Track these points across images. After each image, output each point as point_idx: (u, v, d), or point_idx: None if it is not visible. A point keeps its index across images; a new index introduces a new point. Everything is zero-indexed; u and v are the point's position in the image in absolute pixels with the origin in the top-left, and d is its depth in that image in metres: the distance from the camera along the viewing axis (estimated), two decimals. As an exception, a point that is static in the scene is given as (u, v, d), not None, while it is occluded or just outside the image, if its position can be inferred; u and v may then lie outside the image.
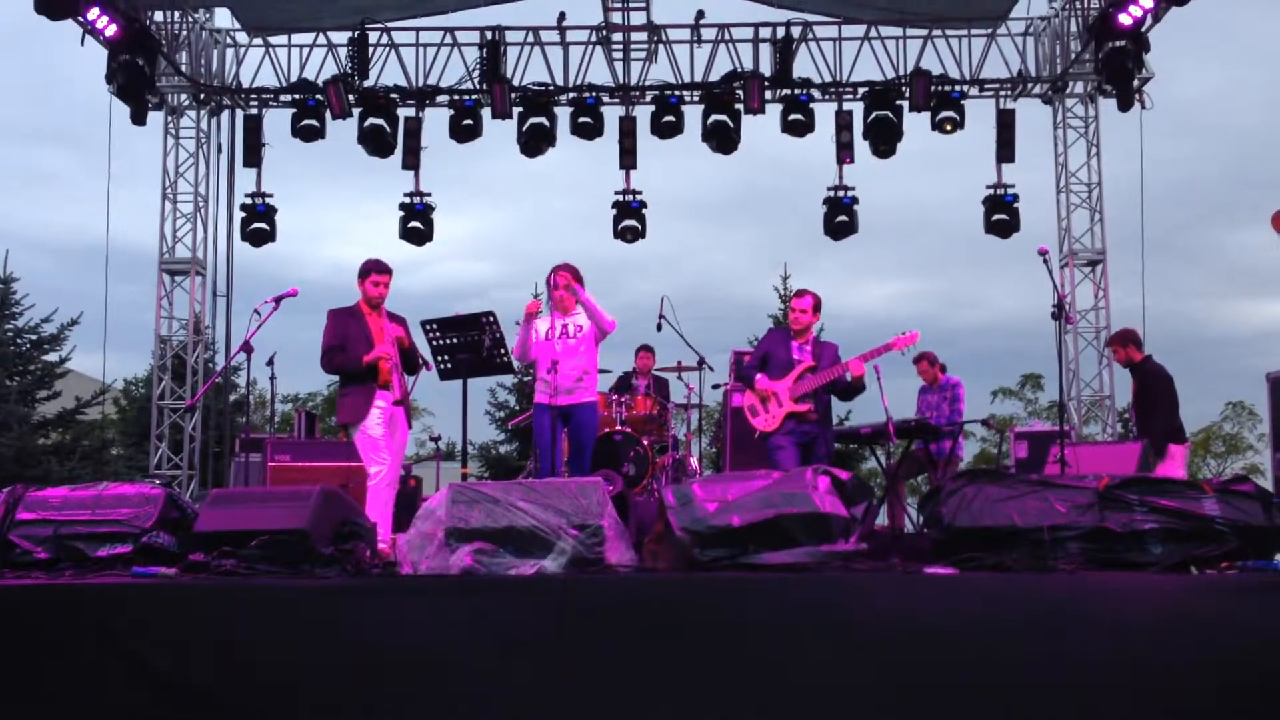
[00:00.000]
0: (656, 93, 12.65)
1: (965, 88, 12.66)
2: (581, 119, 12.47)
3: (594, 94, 12.62)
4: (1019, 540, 4.56)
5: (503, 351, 7.40)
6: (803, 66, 12.54)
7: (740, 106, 12.47)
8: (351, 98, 12.46)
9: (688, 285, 46.94)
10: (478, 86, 12.53)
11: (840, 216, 12.87)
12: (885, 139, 12.57)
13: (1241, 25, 52.58)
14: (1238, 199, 52.25)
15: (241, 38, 13.27)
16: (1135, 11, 11.13)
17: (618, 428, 9.64)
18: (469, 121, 12.54)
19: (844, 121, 12.70)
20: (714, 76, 12.61)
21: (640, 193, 12.84)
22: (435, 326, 7.47)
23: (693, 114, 12.62)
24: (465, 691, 4.13)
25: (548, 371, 7.33)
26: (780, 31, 12.45)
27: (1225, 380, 41.92)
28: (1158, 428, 8.63)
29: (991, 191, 12.85)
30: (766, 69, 12.48)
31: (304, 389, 30.95)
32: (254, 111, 13.04)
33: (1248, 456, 32.15)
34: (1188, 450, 9.37)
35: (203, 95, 13.17)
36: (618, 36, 12.76)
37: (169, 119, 13.26)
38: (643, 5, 12.52)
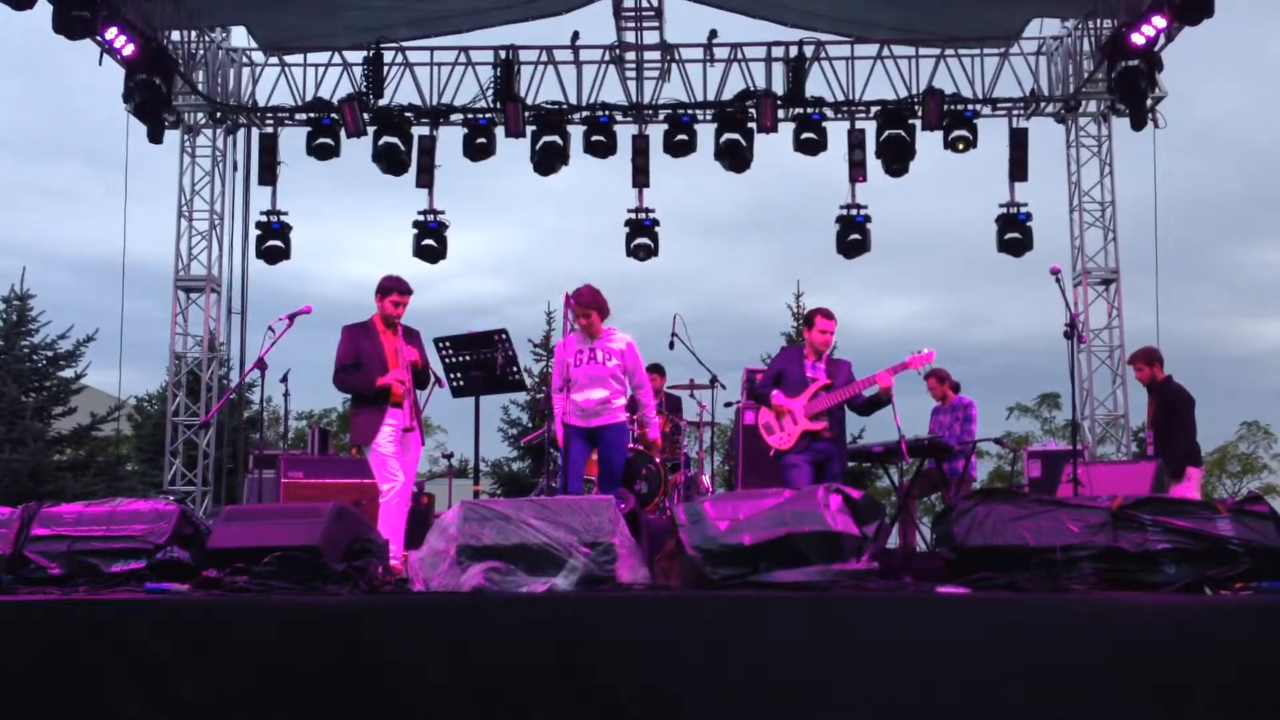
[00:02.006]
0: (669, 111, 12.69)
1: (978, 106, 12.68)
2: (595, 137, 12.52)
3: (607, 113, 12.66)
4: (1032, 560, 4.54)
5: (515, 369, 7.41)
6: (815, 85, 12.58)
7: (753, 125, 12.51)
8: (366, 116, 12.53)
9: (700, 303, 47.10)
10: (491, 105, 12.60)
11: (853, 235, 12.87)
12: (898, 158, 12.58)
13: (1259, 43, 52.60)
14: (1254, 217, 52.18)
15: (258, 57, 13.39)
16: (1148, 31, 11.12)
17: (630, 445, 9.62)
18: (483, 140, 12.60)
19: (857, 140, 12.72)
20: (727, 95, 12.64)
21: (653, 211, 12.88)
22: (448, 344, 7.50)
23: (705, 132, 12.67)
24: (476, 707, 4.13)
25: (575, 392, 7.31)
26: (793, 50, 12.48)
27: (1240, 399, 41.82)
28: (1179, 450, 8.57)
29: (1004, 210, 12.84)
30: (779, 88, 12.51)
31: (318, 406, 31.07)
32: (269, 130, 13.13)
33: (1263, 476, 32.01)
34: (1202, 472, 9.32)
35: (219, 114, 13.27)
36: (631, 55, 12.82)
37: (185, 137, 13.36)
38: (656, 24, 12.56)
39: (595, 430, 7.37)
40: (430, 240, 12.87)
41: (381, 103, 12.62)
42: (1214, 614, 4.13)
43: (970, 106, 12.59)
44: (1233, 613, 4.14)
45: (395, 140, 12.60)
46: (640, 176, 12.83)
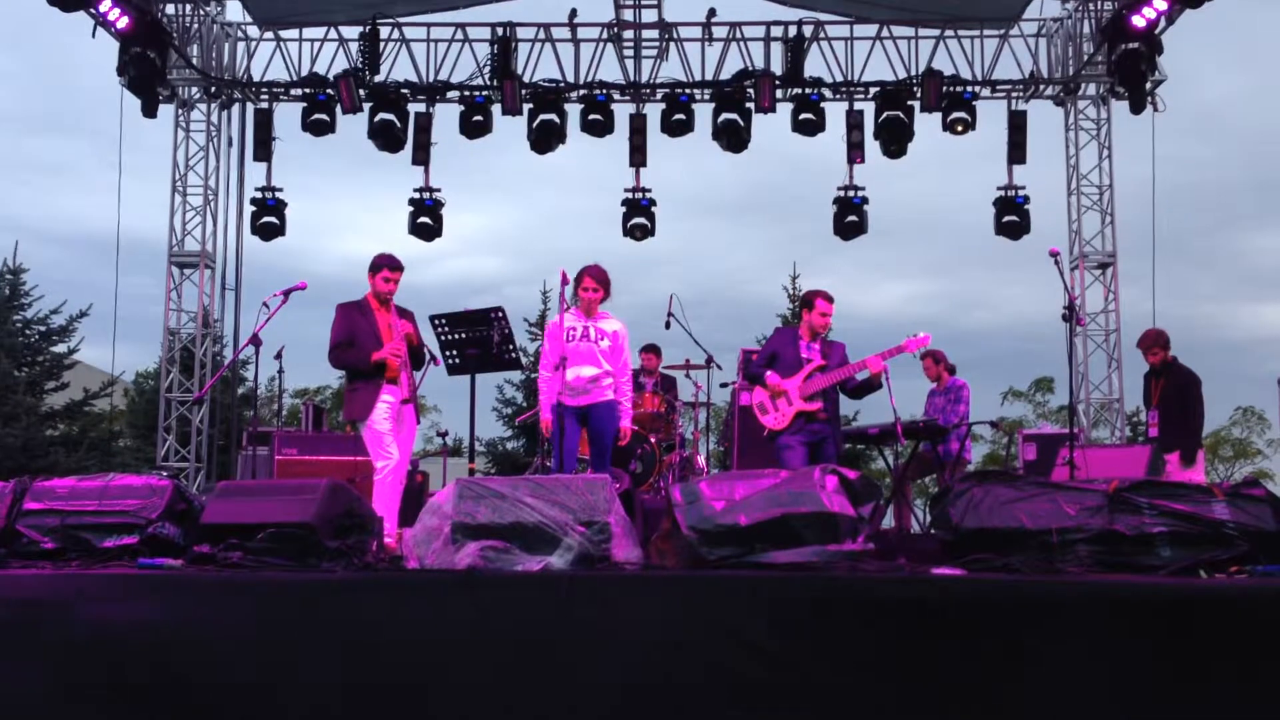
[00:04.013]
0: (667, 90, 12.63)
1: (977, 88, 12.62)
2: (592, 116, 12.46)
3: (604, 91, 12.59)
4: (1028, 542, 4.54)
5: (511, 348, 7.38)
6: (814, 65, 12.52)
7: (751, 105, 12.46)
8: (362, 92, 12.46)
9: (697, 283, 46.99)
10: (488, 82, 12.52)
11: (850, 216, 12.85)
12: (896, 139, 12.54)
13: (1264, 28, 52.50)
14: (1255, 202, 52.19)
15: (253, 31, 13.28)
16: (1149, 13, 11.09)
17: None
18: (479, 117, 12.53)
19: (855, 121, 12.68)
20: (725, 75, 12.59)
21: (650, 190, 12.84)
22: (444, 321, 7.46)
23: (703, 112, 12.61)
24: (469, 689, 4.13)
25: (565, 368, 7.30)
26: (792, 30, 12.43)
27: (1235, 384, 41.80)
28: (1193, 433, 8.57)
29: (1002, 193, 12.82)
30: (778, 68, 12.46)
31: (312, 382, 31.00)
32: (264, 105, 13.05)
33: (1256, 462, 32.10)
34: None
35: (214, 88, 13.18)
36: (629, 34, 12.74)
37: (180, 112, 13.28)
38: (654, 3, 12.50)
39: (585, 408, 7.37)
40: (426, 218, 12.83)
41: (378, 79, 12.55)
42: (1209, 597, 4.13)
43: (969, 88, 12.54)
44: (1228, 596, 4.14)
45: (391, 117, 12.53)
46: (637, 156, 12.78)
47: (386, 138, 12.57)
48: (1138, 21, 11.17)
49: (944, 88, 12.37)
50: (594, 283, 7.40)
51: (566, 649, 4.12)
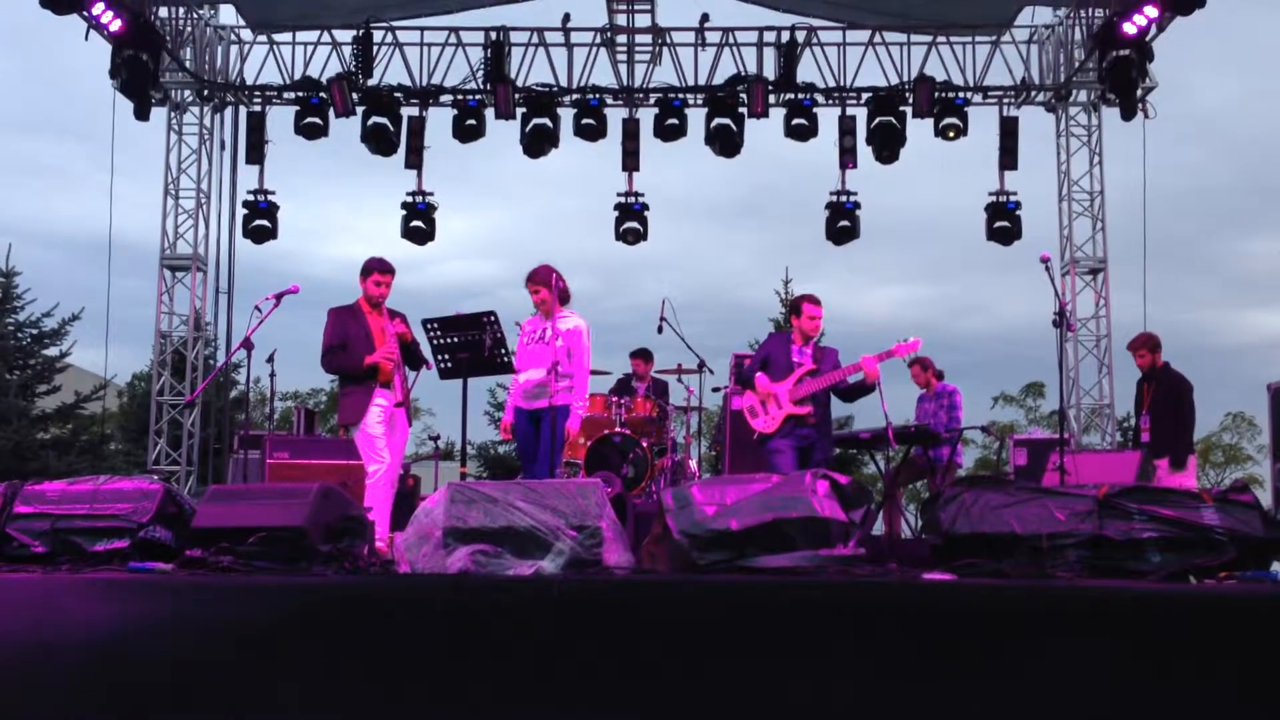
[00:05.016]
0: (660, 95, 12.65)
1: (969, 94, 12.67)
2: (585, 120, 12.48)
3: (598, 95, 12.63)
4: (1018, 547, 4.55)
5: (503, 351, 7.37)
6: (807, 71, 12.56)
7: (744, 110, 12.49)
8: (355, 96, 12.46)
9: (690, 288, 47.05)
10: (481, 86, 12.55)
11: (842, 221, 12.88)
12: (888, 145, 12.57)
13: (1255, 34, 52.71)
14: (1247, 207, 52.41)
15: (246, 34, 13.28)
16: (1139, 20, 11.11)
17: (617, 429, 9.61)
18: (472, 121, 12.55)
19: (847, 126, 12.71)
20: (718, 80, 12.62)
21: (642, 195, 12.87)
22: (436, 325, 7.45)
23: (696, 117, 12.65)
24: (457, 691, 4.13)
25: (520, 371, 7.34)
26: (785, 36, 12.46)
27: (1226, 390, 41.89)
28: (1185, 438, 8.59)
29: (994, 199, 12.86)
30: (770, 73, 12.49)
31: (304, 386, 30.94)
32: (257, 108, 13.04)
33: (1246, 467, 32.12)
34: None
35: (206, 91, 13.17)
36: (622, 38, 12.77)
37: (172, 115, 13.27)
38: (647, 8, 12.52)
39: (537, 412, 7.35)
40: (419, 222, 12.84)
41: (371, 83, 12.56)
42: (1198, 602, 4.15)
43: (961, 94, 12.59)
44: (1216, 601, 4.15)
45: (384, 120, 12.54)
46: (630, 160, 12.81)
47: (379, 141, 12.58)
48: (1128, 28, 11.19)
49: (936, 94, 12.42)
50: (534, 286, 7.45)
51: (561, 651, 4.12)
